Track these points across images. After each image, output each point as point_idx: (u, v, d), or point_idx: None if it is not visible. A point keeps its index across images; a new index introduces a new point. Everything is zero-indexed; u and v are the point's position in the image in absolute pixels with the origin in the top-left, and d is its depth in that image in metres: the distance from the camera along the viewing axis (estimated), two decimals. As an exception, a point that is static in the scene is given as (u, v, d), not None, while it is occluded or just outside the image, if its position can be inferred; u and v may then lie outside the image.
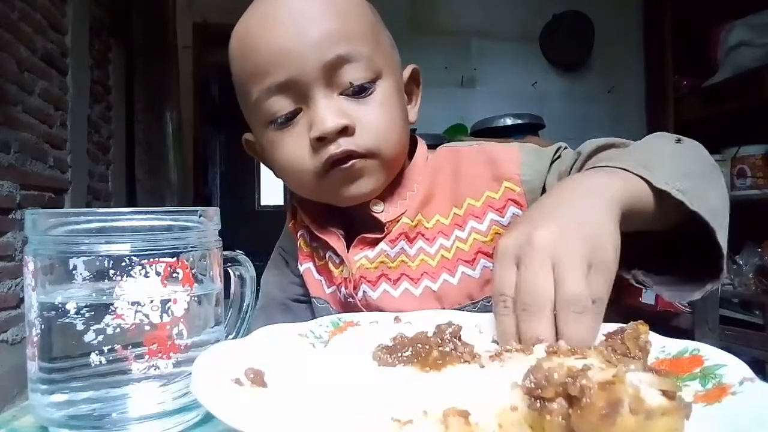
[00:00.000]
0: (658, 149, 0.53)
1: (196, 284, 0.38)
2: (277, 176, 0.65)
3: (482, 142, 0.68)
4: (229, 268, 0.45)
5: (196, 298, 0.38)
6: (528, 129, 2.28)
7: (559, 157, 0.62)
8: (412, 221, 0.63)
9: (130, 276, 0.35)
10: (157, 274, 0.36)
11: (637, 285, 0.51)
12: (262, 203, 8.37)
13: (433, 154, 0.68)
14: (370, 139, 0.57)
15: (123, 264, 0.35)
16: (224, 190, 7.74)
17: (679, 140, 0.55)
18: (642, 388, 0.25)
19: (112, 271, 0.35)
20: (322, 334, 0.44)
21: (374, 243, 0.63)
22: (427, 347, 0.35)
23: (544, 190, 0.60)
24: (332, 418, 0.30)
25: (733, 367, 0.33)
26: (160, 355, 0.36)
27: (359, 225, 0.65)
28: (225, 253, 0.43)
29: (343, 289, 0.64)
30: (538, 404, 0.25)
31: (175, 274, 0.37)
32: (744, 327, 1.92)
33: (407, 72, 0.66)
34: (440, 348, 0.36)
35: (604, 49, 3.11)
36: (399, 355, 0.36)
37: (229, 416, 0.27)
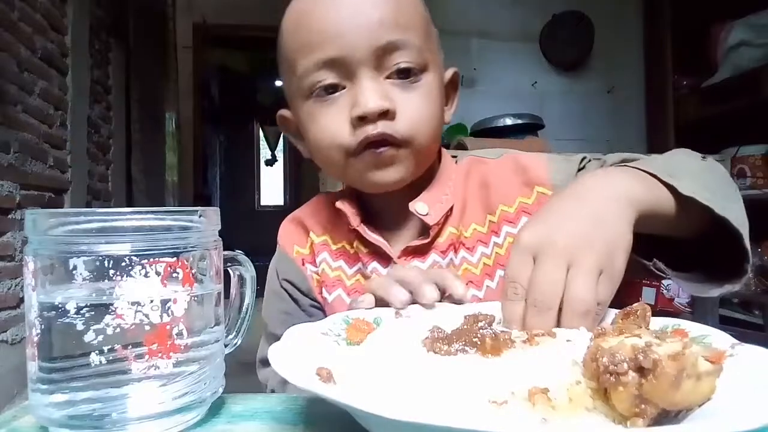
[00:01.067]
0: (683, 162, 0.55)
1: (196, 284, 0.38)
2: (307, 154, 0.66)
3: (510, 151, 0.68)
4: (229, 268, 0.45)
5: (196, 298, 0.38)
6: (528, 129, 2.28)
7: (584, 167, 0.63)
8: (457, 231, 0.63)
9: (130, 276, 0.35)
10: (157, 274, 0.36)
11: (657, 272, 0.53)
12: (262, 203, 8.38)
13: (459, 162, 0.69)
14: (408, 126, 0.58)
15: (123, 264, 0.35)
16: (224, 190, 7.75)
17: (704, 158, 0.57)
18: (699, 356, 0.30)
19: (112, 271, 0.35)
20: (339, 332, 0.44)
21: (421, 252, 0.63)
22: (479, 336, 0.38)
23: None
24: (430, 404, 0.31)
25: (716, 336, 0.38)
26: (160, 355, 0.36)
27: (391, 230, 0.65)
28: (225, 253, 0.43)
29: None
30: (613, 378, 0.29)
31: (175, 274, 0.37)
32: (744, 327, 1.92)
33: (448, 74, 0.67)
34: (492, 336, 0.38)
35: (604, 49, 3.11)
36: (456, 345, 0.38)
37: (363, 404, 0.27)
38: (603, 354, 0.30)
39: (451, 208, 0.64)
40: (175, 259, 0.37)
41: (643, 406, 0.28)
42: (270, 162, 8.40)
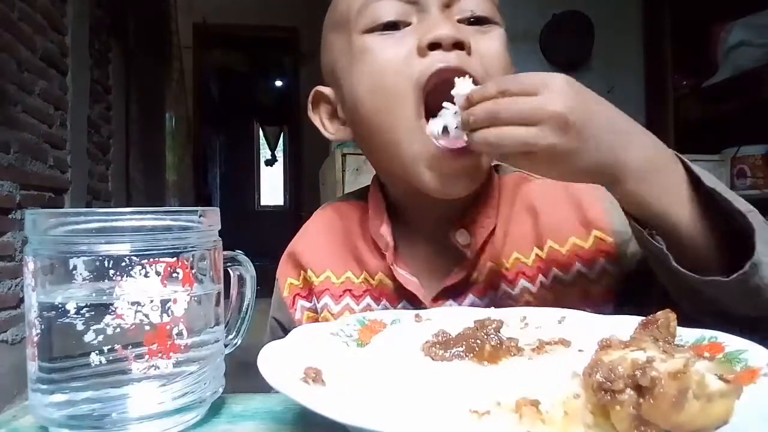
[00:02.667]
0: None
1: (196, 284, 0.38)
2: (344, 135, 0.60)
3: None
4: (229, 268, 0.45)
5: (196, 298, 0.38)
6: (528, 129, 2.28)
7: None
8: (496, 265, 0.56)
9: (130, 276, 0.35)
10: (157, 274, 0.36)
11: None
12: (262, 203, 8.38)
13: (503, 174, 0.62)
14: (487, 67, 0.52)
15: (123, 264, 0.35)
16: (224, 190, 7.75)
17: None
18: (705, 374, 0.27)
19: (112, 271, 0.35)
20: (351, 332, 0.44)
21: (458, 292, 0.56)
22: (479, 342, 0.36)
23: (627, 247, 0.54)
24: (408, 413, 0.30)
25: (754, 351, 0.34)
26: (160, 355, 0.36)
27: (429, 271, 0.58)
28: (225, 253, 0.43)
29: None
30: (608, 396, 0.27)
31: (175, 274, 0.37)
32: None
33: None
34: (492, 343, 0.37)
35: (604, 49, 3.11)
36: (453, 350, 0.37)
37: (332, 411, 0.27)
38: (600, 369, 0.28)
39: (493, 231, 0.56)
40: (175, 259, 0.37)
41: (643, 427, 0.26)
42: (270, 162, 8.40)
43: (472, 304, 0.56)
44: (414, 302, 0.57)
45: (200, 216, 0.39)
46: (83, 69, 2.84)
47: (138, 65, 3.69)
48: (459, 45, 0.50)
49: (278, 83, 7.92)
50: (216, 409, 0.42)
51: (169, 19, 4.41)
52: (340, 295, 0.61)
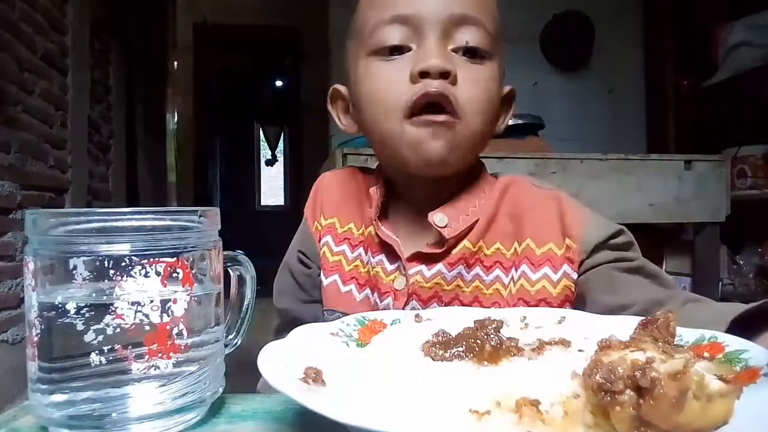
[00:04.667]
0: None
1: (196, 284, 0.38)
2: (352, 128, 0.67)
3: (559, 190, 0.66)
4: (229, 268, 0.45)
5: (196, 298, 0.38)
6: (528, 129, 2.28)
7: (616, 244, 0.60)
8: (474, 247, 0.62)
9: (130, 276, 0.35)
10: (157, 274, 0.36)
11: None
12: (262, 203, 8.38)
13: (500, 177, 0.68)
14: (467, 96, 0.58)
15: (123, 264, 0.35)
16: (224, 190, 7.75)
17: None
18: (705, 375, 0.27)
19: (112, 271, 0.35)
20: (351, 332, 0.44)
21: (430, 260, 0.62)
22: (479, 342, 0.36)
23: (588, 257, 0.59)
24: (408, 413, 0.30)
25: (755, 352, 0.34)
26: (160, 355, 0.36)
27: (411, 239, 0.64)
28: (225, 253, 0.43)
29: (390, 299, 0.63)
30: (608, 397, 0.27)
31: (175, 274, 0.37)
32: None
33: (505, 89, 0.66)
34: (492, 343, 0.37)
35: (604, 49, 3.11)
36: (453, 350, 0.37)
37: (333, 411, 0.27)
38: (600, 370, 0.28)
39: (475, 223, 0.62)
40: (175, 259, 0.37)
41: (643, 428, 0.26)
42: (270, 162, 8.40)
43: (438, 272, 0.61)
44: (390, 258, 0.64)
45: (200, 216, 0.39)
46: (84, 69, 2.84)
47: (138, 65, 3.69)
48: (445, 74, 0.56)
49: (278, 83, 7.92)
50: (216, 409, 0.42)
51: (168, 20, 4.42)
52: (341, 241, 0.68)
